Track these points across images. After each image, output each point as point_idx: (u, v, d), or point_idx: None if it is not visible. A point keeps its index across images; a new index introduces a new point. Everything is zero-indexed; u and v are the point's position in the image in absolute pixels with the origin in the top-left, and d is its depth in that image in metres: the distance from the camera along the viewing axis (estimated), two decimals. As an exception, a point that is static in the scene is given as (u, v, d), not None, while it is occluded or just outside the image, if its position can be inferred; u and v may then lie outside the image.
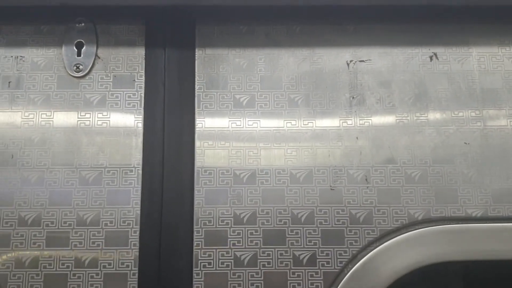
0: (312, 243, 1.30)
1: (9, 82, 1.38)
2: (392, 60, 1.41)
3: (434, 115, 1.37)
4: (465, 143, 1.35)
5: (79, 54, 1.39)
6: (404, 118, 1.37)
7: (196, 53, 1.41)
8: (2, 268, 1.27)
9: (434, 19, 1.43)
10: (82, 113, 1.36)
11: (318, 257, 1.29)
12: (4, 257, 1.28)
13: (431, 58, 1.41)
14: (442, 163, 1.34)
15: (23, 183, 1.31)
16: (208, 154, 1.34)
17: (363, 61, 1.40)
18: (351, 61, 1.40)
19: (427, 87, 1.39)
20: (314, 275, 1.28)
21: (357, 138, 1.36)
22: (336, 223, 1.31)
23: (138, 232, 1.29)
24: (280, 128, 1.36)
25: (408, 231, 1.31)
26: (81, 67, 1.38)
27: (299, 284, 1.28)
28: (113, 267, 1.27)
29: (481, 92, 1.39)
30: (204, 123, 1.36)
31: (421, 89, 1.39)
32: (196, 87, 1.39)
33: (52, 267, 1.27)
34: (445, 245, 1.30)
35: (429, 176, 1.34)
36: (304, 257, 1.30)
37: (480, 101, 1.38)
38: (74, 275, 1.27)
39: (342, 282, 1.28)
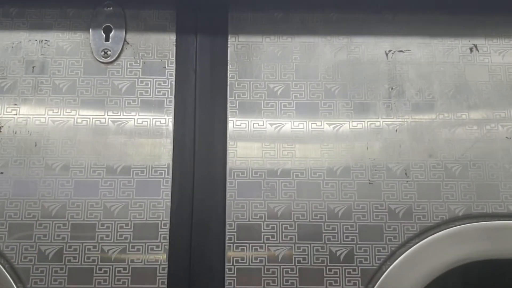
0: (350, 239, 1.23)
1: (33, 67, 1.30)
2: (432, 51, 1.34)
3: (474, 109, 1.31)
4: (506, 137, 1.29)
5: (107, 39, 1.32)
6: (444, 111, 1.31)
7: (228, 40, 1.34)
8: (25, 261, 1.20)
9: (474, 10, 1.36)
10: (110, 101, 1.29)
11: (355, 253, 1.23)
12: (27, 249, 1.21)
13: (471, 49, 1.35)
14: (483, 158, 1.28)
15: (47, 172, 1.25)
16: (241, 146, 1.27)
17: (402, 51, 1.34)
18: (389, 51, 1.34)
19: (467, 80, 1.33)
20: (352, 272, 1.22)
21: (396, 131, 1.29)
22: (375, 218, 1.25)
23: (168, 225, 1.22)
24: (316, 120, 1.29)
25: (448, 227, 1.25)
26: (109, 52, 1.31)
27: (335, 282, 1.21)
28: (141, 262, 1.21)
29: (523, 85, 1.34)
30: (237, 113, 1.29)
31: (461, 81, 1.33)
32: (229, 75, 1.32)
33: (77, 261, 1.20)
34: (487, 242, 1.24)
35: (469, 171, 1.27)
36: (341, 253, 1.23)
37: (522, 94, 1.33)
38: (100, 269, 1.20)
39: (380, 279, 1.21)
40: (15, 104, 1.27)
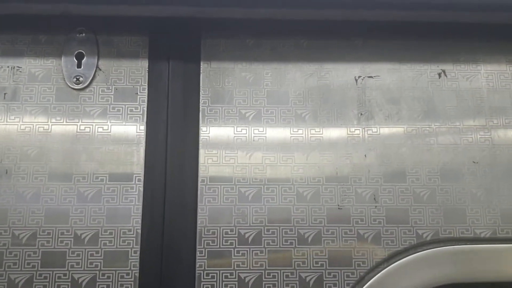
0: (319, 265, 1.21)
1: (5, 94, 1.26)
2: (401, 77, 1.33)
3: (442, 133, 1.30)
4: (473, 162, 1.29)
5: (79, 66, 1.29)
6: (412, 136, 1.29)
7: (201, 66, 1.31)
8: (-5, 290, 1.17)
9: (443, 36, 1.35)
10: (82, 127, 1.25)
11: (325, 279, 1.21)
12: (-3, 277, 1.18)
13: (439, 75, 1.34)
14: (451, 182, 1.27)
15: (17, 199, 1.22)
16: (212, 170, 1.25)
17: (371, 77, 1.33)
18: (359, 76, 1.33)
19: (436, 104, 1.32)
20: (321, 298, 1.21)
21: (365, 156, 1.28)
22: (344, 243, 1.23)
23: (138, 253, 1.20)
24: (287, 146, 1.28)
25: (416, 251, 1.23)
26: (81, 79, 1.28)
27: (305, 307, 1.20)
28: (112, 289, 1.19)
29: (490, 110, 1.32)
30: (209, 138, 1.27)
31: (429, 106, 1.31)
32: (201, 101, 1.29)
33: (47, 288, 1.18)
34: (454, 266, 1.22)
35: (437, 196, 1.26)
36: (311, 279, 1.21)
37: (488, 119, 1.31)
38: (70, 297, 1.18)
39: (350, 304, 1.21)
40: (-13, 132, 1.25)
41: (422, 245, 1.24)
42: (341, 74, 1.32)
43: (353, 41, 1.34)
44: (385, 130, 1.29)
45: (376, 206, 1.25)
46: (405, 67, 1.34)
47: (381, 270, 1.22)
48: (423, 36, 1.35)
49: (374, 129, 1.29)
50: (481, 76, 1.34)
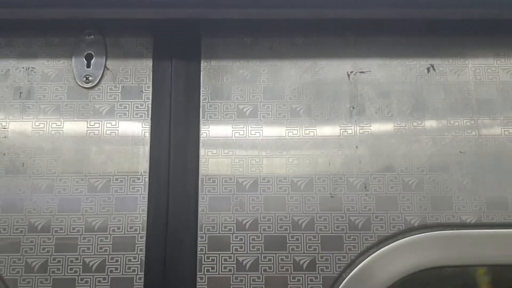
0: (312, 249, 1.28)
1: (20, 93, 1.36)
2: (391, 72, 1.38)
3: (430, 125, 1.35)
4: (460, 152, 1.34)
5: (88, 66, 1.38)
6: (402, 127, 1.35)
7: (201, 64, 1.38)
8: (13, 273, 1.27)
9: (432, 32, 1.40)
10: (91, 123, 1.35)
11: (317, 262, 1.28)
12: (15, 262, 1.28)
13: (428, 69, 1.39)
14: (438, 171, 1.32)
15: (33, 190, 1.31)
16: (212, 163, 1.32)
17: (363, 72, 1.38)
18: (351, 72, 1.39)
19: (424, 98, 1.37)
20: (314, 280, 1.27)
21: (356, 147, 1.34)
22: (335, 229, 1.30)
23: (144, 238, 1.29)
24: (282, 137, 1.34)
25: (404, 237, 1.29)
26: (90, 78, 1.37)
27: (299, 288, 1.27)
28: (119, 272, 1.28)
29: (477, 102, 1.36)
30: (209, 132, 1.34)
31: (418, 99, 1.37)
32: (201, 97, 1.37)
33: (60, 272, 1.27)
34: (441, 250, 1.28)
35: (425, 184, 1.32)
36: (304, 262, 1.28)
37: (475, 111, 1.36)
38: (82, 279, 1.26)
39: (341, 286, 1.26)
40: (4, 127, 1.34)
41: (410, 230, 1.29)
42: (334, 70, 1.38)
43: (346, 38, 1.40)
44: (375, 123, 1.35)
45: (366, 194, 1.31)
46: (395, 62, 1.39)
47: (371, 254, 1.28)
48: (413, 32, 1.40)
49: (366, 122, 1.35)
50: (468, 70, 1.39)
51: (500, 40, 1.41)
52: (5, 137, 1.33)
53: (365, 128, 1.35)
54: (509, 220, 1.30)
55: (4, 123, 1.34)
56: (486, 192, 1.31)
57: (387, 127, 1.35)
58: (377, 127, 1.35)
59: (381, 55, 1.40)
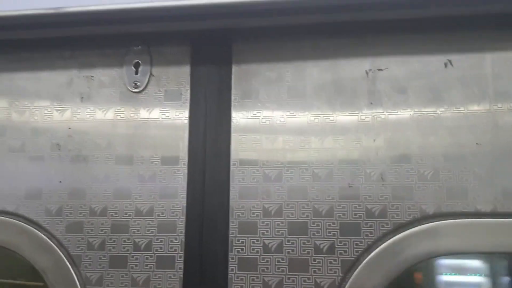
0: (331, 234, 1.39)
1: (82, 97, 1.59)
2: (408, 68, 1.44)
3: (446, 117, 1.39)
4: (476, 143, 1.38)
5: (136, 73, 1.57)
6: (418, 121, 1.40)
7: (232, 68, 1.52)
8: (78, 250, 1.49)
9: (449, 28, 1.43)
10: (140, 123, 1.54)
11: (336, 246, 1.38)
12: (79, 241, 1.51)
13: (445, 64, 1.43)
14: (454, 162, 1.37)
15: (93, 180, 1.53)
16: (242, 156, 1.46)
17: (381, 69, 1.46)
18: (370, 70, 1.46)
19: (441, 92, 1.41)
20: (333, 262, 1.38)
21: (374, 140, 1.42)
22: (353, 216, 1.39)
23: (184, 222, 1.47)
24: (304, 132, 1.45)
25: (420, 224, 1.36)
26: (138, 83, 1.57)
27: (319, 270, 1.37)
28: (163, 251, 1.46)
29: (494, 94, 1.38)
30: (239, 128, 1.49)
31: (435, 93, 1.41)
32: (232, 98, 1.51)
33: (115, 249, 1.48)
34: (455, 238, 1.33)
35: (440, 175, 1.36)
36: (324, 246, 1.39)
37: (493, 103, 1.38)
38: (132, 257, 1.47)
39: (358, 269, 1.36)
40: (69, 128, 1.57)
41: (425, 218, 1.36)
42: (353, 69, 1.47)
43: (364, 38, 1.48)
44: (392, 117, 1.42)
45: (383, 184, 1.39)
46: (412, 59, 1.44)
47: (386, 240, 1.36)
48: (430, 29, 1.45)
49: (383, 116, 1.43)
50: (486, 64, 1.41)
51: (519, 33, 1.42)
52: (69, 136, 1.57)
53: (382, 121, 1.42)
54: (525, 209, 1.33)
55: (69, 124, 1.57)
56: (502, 182, 1.34)
57: (403, 120, 1.42)
58: (394, 121, 1.42)
59: (399, 52, 1.46)
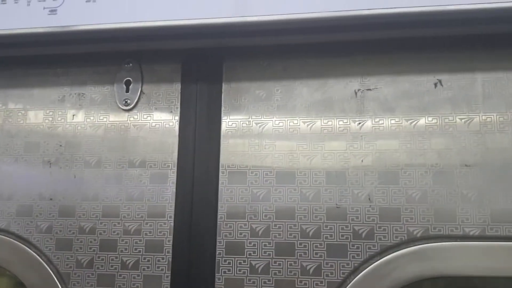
0: (318, 255, 1.37)
1: (73, 115, 1.59)
2: (398, 88, 1.42)
3: (436, 139, 1.37)
4: (465, 165, 1.36)
5: (127, 91, 1.57)
6: (407, 142, 1.38)
7: (223, 86, 1.52)
8: (67, 268, 1.49)
9: (438, 47, 1.42)
10: (129, 140, 1.54)
11: (323, 268, 1.36)
12: (68, 259, 1.51)
13: (435, 84, 1.42)
14: (442, 184, 1.35)
15: (82, 198, 1.53)
16: (230, 174, 1.46)
17: (370, 89, 1.44)
18: (359, 89, 1.45)
19: (430, 112, 1.39)
20: (319, 284, 1.36)
21: (362, 161, 1.41)
22: (340, 238, 1.37)
23: (171, 241, 1.46)
24: (293, 152, 1.43)
25: (407, 247, 1.34)
26: (129, 101, 1.56)
27: (305, 291, 1.37)
28: (150, 270, 1.46)
29: (484, 115, 1.37)
30: (228, 146, 1.48)
31: (424, 114, 1.39)
32: (222, 115, 1.50)
33: (103, 268, 1.47)
34: (443, 260, 1.31)
35: (428, 197, 1.35)
36: (311, 267, 1.37)
37: (482, 124, 1.36)
38: (120, 275, 1.46)
39: (345, 291, 1.35)
40: (60, 145, 1.58)
41: (413, 241, 1.34)
42: (342, 88, 1.45)
43: (353, 58, 1.46)
44: (381, 137, 1.40)
45: (370, 205, 1.37)
46: (402, 78, 1.43)
47: (373, 262, 1.34)
48: (420, 49, 1.43)
49: (371, 136, 1.41)
50: (477, 84, 1.39)
51: (509, 53, 1.39)
52: (61, 153, 1.57)
53: (370, 142, 1.41)
54: (514, 233, 1.30)
55: (60, 141, 1.58)
56: (492, 205, 1.32)
57: (392, 141, 1.40)
58: (382, 141, 1.40)
59: (389, 72, 1.44)
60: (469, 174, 1.35)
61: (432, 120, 1.39)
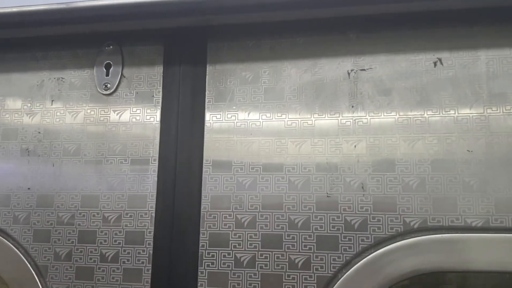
0: (307, 248, 1.27)
1: (52, 100, 1.50)
2: (394, 68, 1.30)
3: (435, 122, 1.25)
4: (468, 150, 1.23)
5: (107, 74, 1.47)
6: (404, 125, 1.26)
7: (207, 68, 1.41)
8: (44, 260, 1.41)
9: (439, 23, 1.29)
10: (109, 126, 1.45)
11: (312, 261, 1.26)
12: (46, 251, 1.43)
13: (435, 64, 1.29)
14: (442, 171, 1.23)
15: (61, 188, 1.44)
16: (214, 164, 1.36)
17: (364, 69, 1.32)
18: (352, 70, 1.33)
19: (429, 94, 1.27)
20: (308, 279, 1.25)
21: (355, 146, 1.29)
22: (331, 229, 1.26)
23: (152, 233, 1.36)
24: (281, 137, 1.33)
25: (403, 239, 1.23)
26: (109, 85, 1.46)
27: (293, 286, 1.25)
28: (130, 263, 1.37)
29: (489, 97, 1.24)
30: (212, 132, 1.38)
31: (423, 95, 1.27)
32: (206, 100, 1.39)
33: (82, 260, 1.39)
34: (442, 254, 1.19)
35: (427, 185, 1.23)
36: (299, 261, 1.27)
37: (487, 106, 1.24)
38: (99, 268, 1.37)
39: (335, 286, 1.24)
40: (39, 132, 1.49)
41: (410, 232, 1.22)
42: (334, 69, 1.34)
43: (347, 35, 1.34)
44: (375, 121, 1.29)
45: (363, 194, 1.26)
46: (399, 57, 1.30)
47: (367, 256, 1.23)
48: (418, 25, 1.30)
49: (365, 120, 1.29)
50: (481, 63, 1.26)
51: (517, 28, 1.27)
52: (39, 140, 1.48)
53: (364, 126, 1.29)
54: (521, 224, 1.18)
55: (39, 128, 1.49)
56: (496, 193, 1.20)
57: (387, 125, 1.28)
58: (377, 126, 1.28)
59: (384, 50, 1.32)
60: (471, 160, 1.22)
61: (431, 103, 1.27)
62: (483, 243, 1.18)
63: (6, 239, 1.44)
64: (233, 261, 1.30)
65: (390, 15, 1.31)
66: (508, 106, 1.23)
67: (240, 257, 1.30)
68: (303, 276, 1.25)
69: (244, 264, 1.29)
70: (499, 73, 1.25)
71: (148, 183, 1.38)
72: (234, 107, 1.38)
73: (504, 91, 1.24)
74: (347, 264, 1.24)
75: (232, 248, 1.30)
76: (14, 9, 1.41)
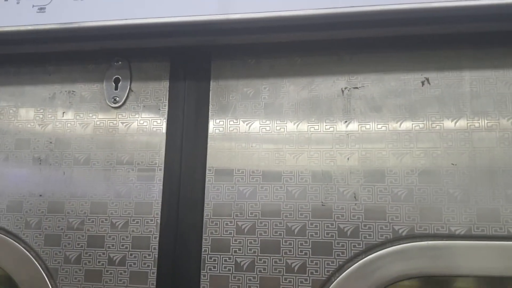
0: (303, 253, 1.35)
1: (63, 112, 1.58)
2: (384, 86, 1.39)
3: (422, 137, 1.34)
4: (452, 164, 1.32)
5: (116, 88, 1.55)
6: (393, 140, 1.35)
7: (211, 84, 1.50)
8: (55, 263, 1.47)
9: (426, 46, 1.38)
10: (118, 137, 1.52)
11: (308, 266, 1.34)
12: (56, 254, 1.50)
13: (423, 83, 1.38)
14: (429, 183, 1.31)
15: (71, 195, 1.51)
16: (217, 173, 1.44)
17: (357, 87, 1.41)
18: (345, 88, 1.42)
19: (417, 110, 1.36)
20: (304, 282, 1.33)
21: (348, 159, 1.38)
22: (325, 236, 1.35)
23: (157, 238, 1.44)
24: (280, 150, 1.41)
25: (392, 245, 1.31)
26: (117, 99, 1.54)
27: (290, 289, 1.34)
28: (137, 266, 1.44)
29: (472, 114, 1.33)
30: (215, 145, 1.46)
31: (411, 112, 1.36)
32: (210, 114, 1.48)
33: (90, 264, 1.45)
34: (428, 260, 1.28)
35: (414, 195, 1.32)
36: (296, 265, 1.35)
37: (470, 122, 1.32)
38: (107, 271, 1.44)
39: (329, 289, 1.33)
40: (50, 142, 1.56)
41: (398, 239, 1.31)
42: (329, 86, 1.42)
43: (342, 56, 1.44)
44: (367, 135, 1.37)
45: (355, 204, 1.34)
46: (389, 77, 1.40)
47: (358, 261, 1.31)
48: (407, 47, 1.40)
49: (357, 134, 1.38)
50: (465, 83, 1.35)
51: (498, 51, 1.35)
52: (51, 150, 1.55)
53: (357, 140, 1.38)
54: (500, 232, 1.26)
55: (50, 138, 1.56)
56: (478, 204, 1.28)
57: (378, 139, 1.37)
58: (368, 139, 1.37)
59: (375, 70, 1.41)
60: (455, 173, 1.31)
61: (419, 119, 1.36)
62: (466, 250, 1.27)
63: (18, 243, 1.51)
64: (233, 265, 1.37)
65: (381, 38, 1.41)
66: (489, 123, 1.32)
67: (240, 262, 1.37)
68: (299, 280, 1.33)
69: (244, 268, 1.37)
70: (482, 92, 1.34)
71: (154, 191, 1.46)
72: (235, 121, 1.46)
73: (485, 109, 1.33)
74: (340, 269, 1.32)
75: (233, 253, 1.38)
76: (29, 27, 1.48)
